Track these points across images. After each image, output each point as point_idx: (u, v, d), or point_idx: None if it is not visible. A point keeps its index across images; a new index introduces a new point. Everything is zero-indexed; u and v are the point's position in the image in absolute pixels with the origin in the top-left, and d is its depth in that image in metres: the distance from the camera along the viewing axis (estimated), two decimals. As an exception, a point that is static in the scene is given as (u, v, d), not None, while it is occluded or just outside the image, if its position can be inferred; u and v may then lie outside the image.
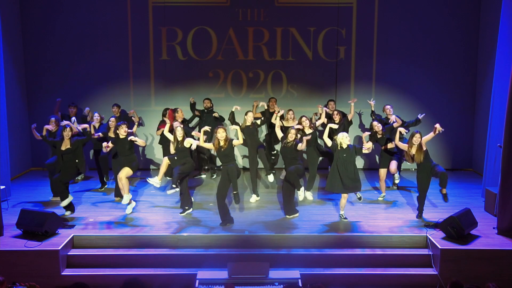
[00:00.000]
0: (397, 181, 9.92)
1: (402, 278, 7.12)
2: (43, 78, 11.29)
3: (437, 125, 7.94)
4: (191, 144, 8.23)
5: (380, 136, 9.10)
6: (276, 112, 9.44)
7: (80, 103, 10.85)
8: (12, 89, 10.39)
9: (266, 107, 10.14)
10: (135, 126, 9.45)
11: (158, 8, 11.19)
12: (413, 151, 7.91)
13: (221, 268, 6.77)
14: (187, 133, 8.69)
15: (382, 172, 9.23)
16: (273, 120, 9.68)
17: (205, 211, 8.61)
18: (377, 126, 9.11)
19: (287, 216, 8.30)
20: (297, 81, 11.45)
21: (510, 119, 7.46)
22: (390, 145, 8.96)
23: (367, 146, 7.85)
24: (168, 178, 9.84)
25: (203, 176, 10.79)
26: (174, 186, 8.07)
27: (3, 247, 7.09)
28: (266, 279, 6.53)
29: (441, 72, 11.33)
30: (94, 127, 9.26)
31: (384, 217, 8.34)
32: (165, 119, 9.74)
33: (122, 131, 8.38)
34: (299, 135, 8.44)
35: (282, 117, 9.50)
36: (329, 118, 9.74)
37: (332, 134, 8.59)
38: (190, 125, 10.78)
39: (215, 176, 10.67)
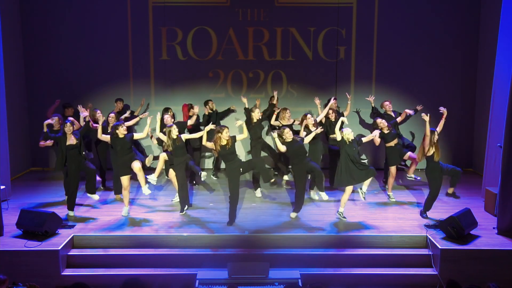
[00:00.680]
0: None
1: (402, 278, 7.12)
2: (43, 78, 11.28)
3: (443, 109, 8.27)
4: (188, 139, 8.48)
5: (388, 131, 8.95)
6: (275, 103, 10.04)
7: (80, 103, 10.67)
8: (12, 89, 10.38)
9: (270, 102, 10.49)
10: (137, 118, 9.57)
11: (158, 8, 11.19)
12: (433, 149, 7.89)
13: (221, 268, 6.78)
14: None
15: (393, 169, 9.12)
16: (272, 122, 9.75)
17: (205, 211, 8.60)
18: (382, 123, 8.94)
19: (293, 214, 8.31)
20: (297, 81, 11.44)
21: (510, 119, 7.47)
22: (393, 142, 8.94)
23: (374, 134, 8.21)
24: (167, 178, 9.81)
25: (204, 173, 10.71)
26: (204, 175, 8.08)
27: (3, 247, 7.09)
28: (266, 279, 6.55)
29: (441, 72, 11.33)
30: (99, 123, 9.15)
31: (384, 217, 8.34)
32: (166, 117, 9.50)
33: (122, 130, 8.15)
34: (304, 133, 8.58)
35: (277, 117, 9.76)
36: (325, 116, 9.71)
37: (330, 129, 8.70)
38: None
39: (212, 176, 10.63)
